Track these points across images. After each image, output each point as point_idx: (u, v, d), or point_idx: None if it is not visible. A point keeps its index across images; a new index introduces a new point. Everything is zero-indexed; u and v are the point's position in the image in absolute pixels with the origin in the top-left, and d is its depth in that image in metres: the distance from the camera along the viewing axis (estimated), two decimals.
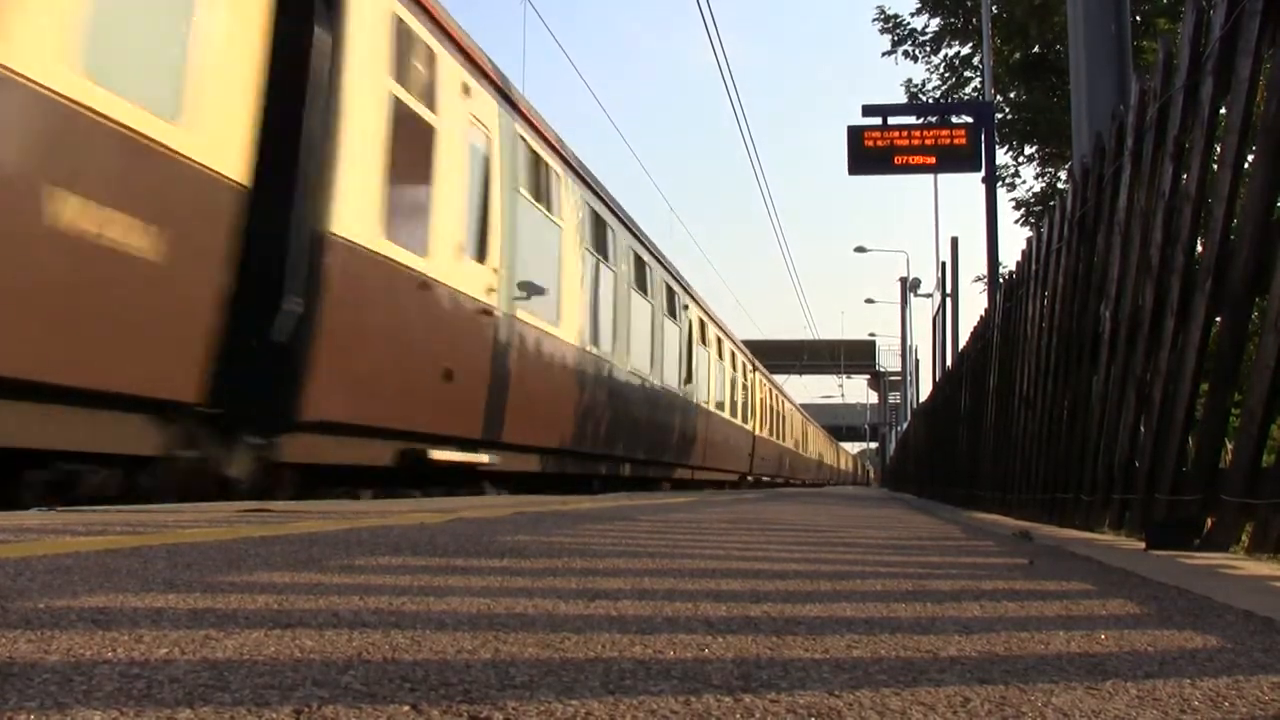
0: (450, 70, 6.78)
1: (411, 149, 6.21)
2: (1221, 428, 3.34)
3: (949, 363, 17.32)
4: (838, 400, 78.10)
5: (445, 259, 6.64)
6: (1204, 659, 1.37)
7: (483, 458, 7.45)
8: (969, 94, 17.03)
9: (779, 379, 34.09)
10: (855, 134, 11.89)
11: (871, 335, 76.43)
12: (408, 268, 6.12)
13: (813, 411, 52.89)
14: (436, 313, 6.66)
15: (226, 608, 1.51)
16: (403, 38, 6.07)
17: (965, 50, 16.92)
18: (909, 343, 39.10)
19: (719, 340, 18.09)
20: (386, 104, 5.82)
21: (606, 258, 10.72)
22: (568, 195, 9.48)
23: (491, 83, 7.52)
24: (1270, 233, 2.97)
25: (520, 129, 8.08)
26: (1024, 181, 21.40)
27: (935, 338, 23.70)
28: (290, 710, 0.95)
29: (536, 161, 8.54)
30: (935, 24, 16.98)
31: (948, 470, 12.15)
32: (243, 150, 4.64)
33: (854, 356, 62.39)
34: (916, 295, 37.61)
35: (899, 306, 38.83)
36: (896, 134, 11.96)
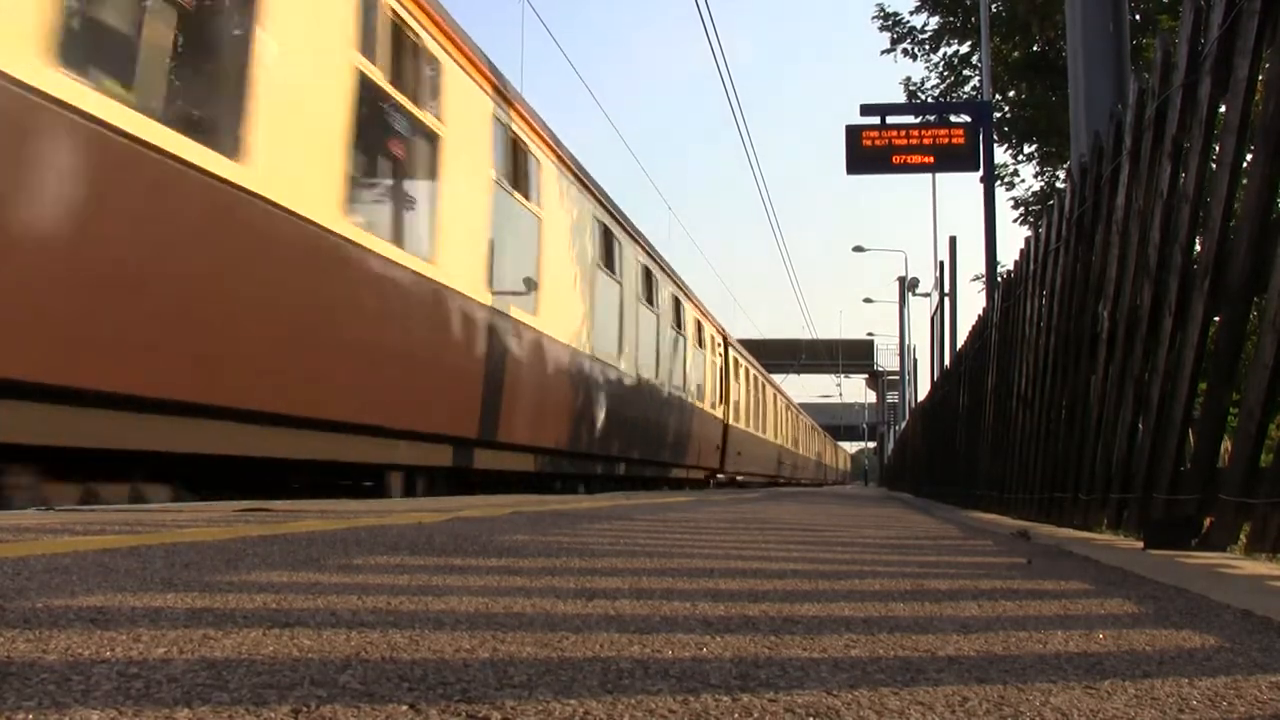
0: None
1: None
2: (1219, 427, 3.34)
3: (947, 362, 17.32)
4: (836, 400, 78.20)
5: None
6: (1202, 658, 1.37)
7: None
8: (968, 93, 17.03)
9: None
10: (853, 133, 11.88)
11: (870, 335, 76.54)
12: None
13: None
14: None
15: (225, 607, 1.51)
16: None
17: (964, 49, 16.92)
18: (907, 342, 39.12)
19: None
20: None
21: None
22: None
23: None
24: (1268, 232, 2.98)
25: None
26: (1023, 180, 21.42)
27: (933, 337, 23.70)
28: (288, 710, 0.95)
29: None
30: (934, 22, 16.98)
31: (946, 470, 12.15)
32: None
33: (852, 356, 62.39)
34: (915, 295, 37.66)
35: (897, 306, 38.88)
36: (895, 133, 11.95)
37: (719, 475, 19.55)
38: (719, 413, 18.53)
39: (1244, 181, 3.20)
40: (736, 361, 20.80)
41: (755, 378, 23.97)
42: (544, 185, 8.54)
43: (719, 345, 18.79)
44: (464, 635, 1.35)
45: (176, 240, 4.19)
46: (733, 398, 20.00)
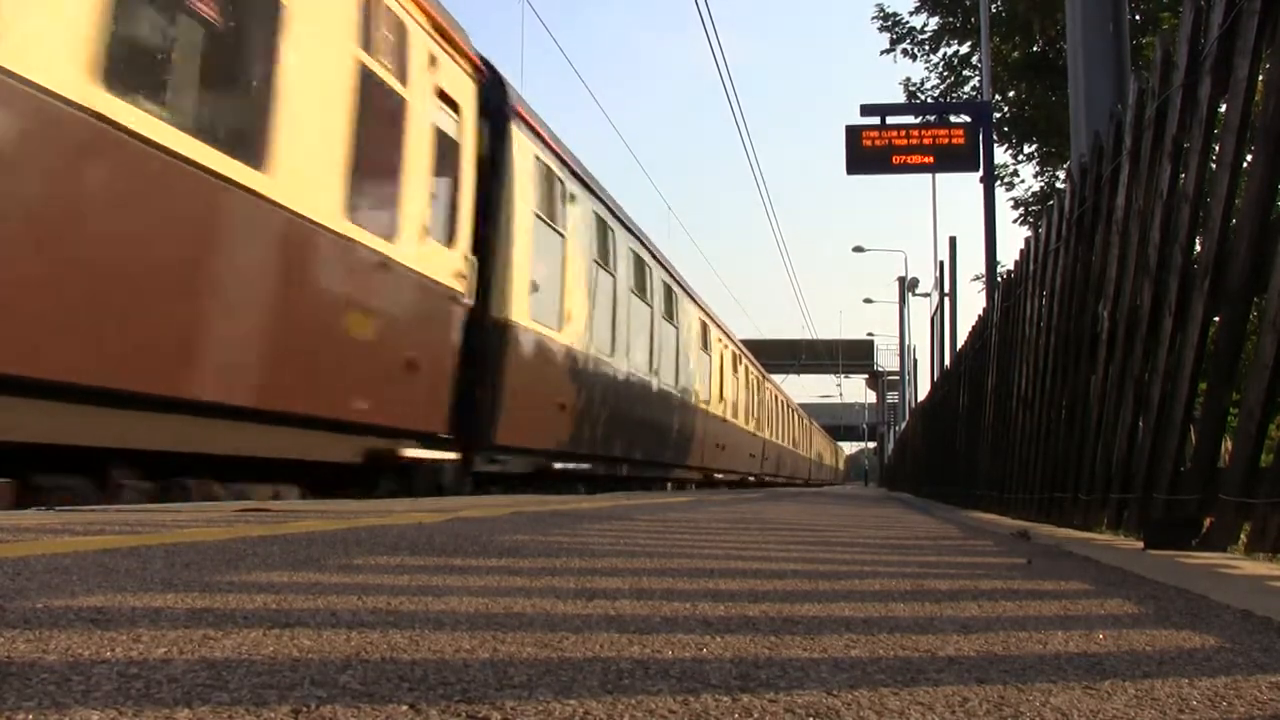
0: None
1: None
2: (1219, 427, 3.34)
3: (947, 362, 17.33)
4: (836, 400, 78.21)
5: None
6: (1202, 659, 1.37)
7: None
8: (968, 93, 17.03)
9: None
10: (853, 133, 11.89)
11: (870, 335, 76.59)
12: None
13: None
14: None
15: (225, 607, 1.51)
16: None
17: (964, 49, 16.92)
18: (907, 342, 39.13)
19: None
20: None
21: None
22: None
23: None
24: (1268, 232, 2.98)
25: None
26: (1023, 181, 21.41)
27: (933, 337, 23.71)
28: (288, 710, 0.94)
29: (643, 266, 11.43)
30: (934, 23, 16.98)
31: (946, 470, 12.15)
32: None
33: (852, 356, 62.37)
34: (915, 295, 37.67)
35: (897, 306, 38.88)
36: (895, 133, 11.96)
37: (449, 455, 7.20)
38: (455, 279, 7.07)
39: (1244, 181, 3.20)
40: (548, 176, 8.87)
41: (639, 261, 12.42)
42: None
43: (444, 97, 6.94)
44: (464, 635, 1.35)
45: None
46: (518, 255, 8.06)
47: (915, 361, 40.44)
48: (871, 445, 77.20)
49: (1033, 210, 16.14)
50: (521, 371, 8.25)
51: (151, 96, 4.35)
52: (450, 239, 7.02)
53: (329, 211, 5.41)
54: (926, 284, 40.89)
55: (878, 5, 17.18)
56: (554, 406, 9.28)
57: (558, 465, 9.64)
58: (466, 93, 7.30)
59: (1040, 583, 2.34)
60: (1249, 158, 3.25)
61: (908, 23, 17.22)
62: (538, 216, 8.57)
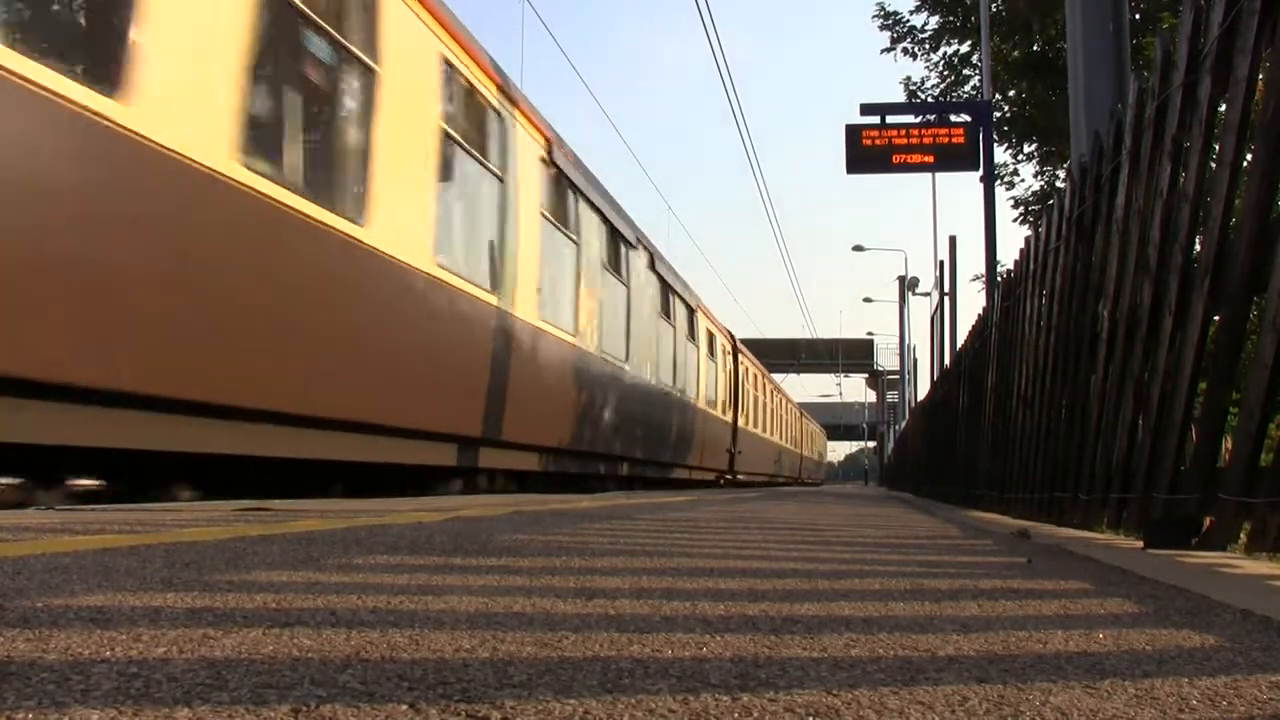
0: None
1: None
2: (1219, 426, 3.34)
3: (947, 362, 17.32)
4: (836, 399, 78.23)
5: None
6: (1202, 658, 1.37)
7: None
8: (968, 93, 17.02)
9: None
10: (853, 133, 11.89)
11: (870, 334, 76.56)
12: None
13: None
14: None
15: (224, 607, 1.51)
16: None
17: (964, 49, 16.91)
18: (907, 342, 39.11)
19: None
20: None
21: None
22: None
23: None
24: (1268, 231, 2.97)
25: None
26: (1023, 180, 21.41)
27: (933, 337, 23.69)
28: (288, 709, 0.94)
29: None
30: (934, 22, 16.96)
31: (946, 469, 12.15)
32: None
33: (852, 355, 62.34)
34: (915, 294, 37.65)
35: (897, 305, 38.86)
36: (895, 133, 11.95)
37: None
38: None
39: (1244, 181, 3.20)
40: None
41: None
42: None
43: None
44: (464, 635, 1.35)
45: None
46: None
47: (915, 361, 40.45)
48: (871, 445, 77.16)
49: (1033, 210, 16.13)
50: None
51: None
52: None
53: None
54: (926, 283, 40.88)
55: (878, 4, 17.17)
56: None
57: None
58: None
59: (1040, 582, 2.34)
60: (1249, 157, 3.25)
61: (908, 21, 17.22)
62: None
